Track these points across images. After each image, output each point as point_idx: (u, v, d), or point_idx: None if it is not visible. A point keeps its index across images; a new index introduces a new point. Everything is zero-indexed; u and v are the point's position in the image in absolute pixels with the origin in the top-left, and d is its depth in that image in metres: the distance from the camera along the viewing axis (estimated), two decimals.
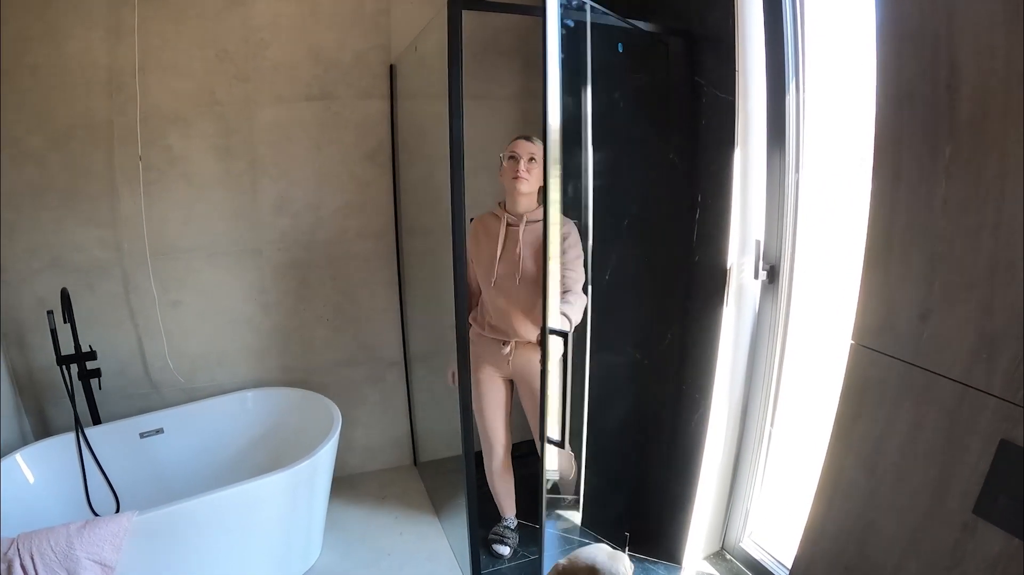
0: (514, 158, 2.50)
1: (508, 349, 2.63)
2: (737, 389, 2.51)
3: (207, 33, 2.82)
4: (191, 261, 3.01)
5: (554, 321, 2.25)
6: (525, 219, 2.54)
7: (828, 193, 2.28)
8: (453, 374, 2.64)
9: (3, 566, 2.01)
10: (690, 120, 2.42)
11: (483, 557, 2.63)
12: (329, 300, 3.29)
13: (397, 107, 3.13)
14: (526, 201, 2.55)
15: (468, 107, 2.06)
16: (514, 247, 2.54)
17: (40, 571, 2.04)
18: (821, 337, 2.39)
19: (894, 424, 1.59)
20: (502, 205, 2.62)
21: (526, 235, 2.53)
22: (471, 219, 2.66)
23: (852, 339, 1.70)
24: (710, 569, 2.66)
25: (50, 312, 2.58)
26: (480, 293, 2.70)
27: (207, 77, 2.86)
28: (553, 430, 2.21)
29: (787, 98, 2.19)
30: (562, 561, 1.74)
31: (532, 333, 2.57)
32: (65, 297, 2.58)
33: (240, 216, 3.04)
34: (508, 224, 2.56)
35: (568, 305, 2.41)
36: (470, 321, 2.71)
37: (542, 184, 2.53)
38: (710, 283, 2.40)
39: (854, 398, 1.72)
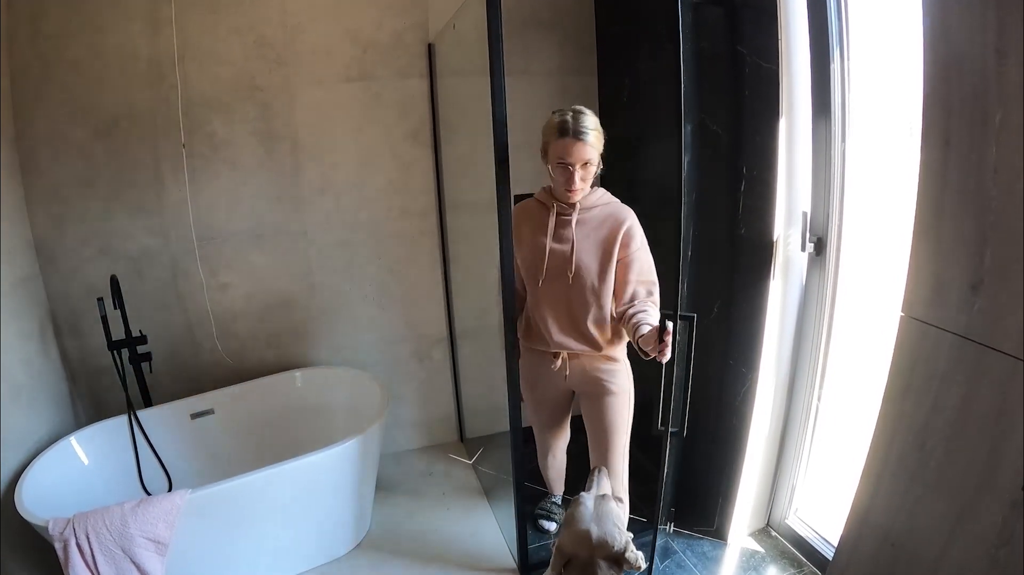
0: (564, 166, 2.09)
1: (559, 363, 2.30)
2: (784, 363, 2.48)
3: (244, 20, 2.85)
4: (238, 245, 3.06)
5: (656, 318, 2.07)
6: (579, 206, 2.19)
7: (876, 163, 2.22)
8: None
9: (59, 546, 2.08)
10: (733, 91, 2.37)
11: (529, 532, 2.64)
12: (374, 279, 3.32)
13: (437, 86, 3.13)
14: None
15: (508, 83, 2.02)
16: (566, 239, 2.19)
17: (96, 550, 2.11)
18: (870, 310, 2.33)
19: (944, 398, 1.56)
20: (548, 190, 2.28)
21: (580, 225, 2.19)
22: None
23: (901, 311, 1.67)
24: (755, 546, 2.65)
25: (100, 299, 2.65)
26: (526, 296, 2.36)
27: (246, 63, 2.89)
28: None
29: (832, 66, 2.12)
30: (557, 540, 1.73)
31: (587, 343, 2.25)
32: (115, 284, 2.65)
33: (284, 199, 3.08)
34: (559, 214, 2.21)
35: (656, 309, 2.15)
36: (519, 335, 2.36)
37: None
38: (756, 256, 2.36)
39: (903, 372, 1.68)
